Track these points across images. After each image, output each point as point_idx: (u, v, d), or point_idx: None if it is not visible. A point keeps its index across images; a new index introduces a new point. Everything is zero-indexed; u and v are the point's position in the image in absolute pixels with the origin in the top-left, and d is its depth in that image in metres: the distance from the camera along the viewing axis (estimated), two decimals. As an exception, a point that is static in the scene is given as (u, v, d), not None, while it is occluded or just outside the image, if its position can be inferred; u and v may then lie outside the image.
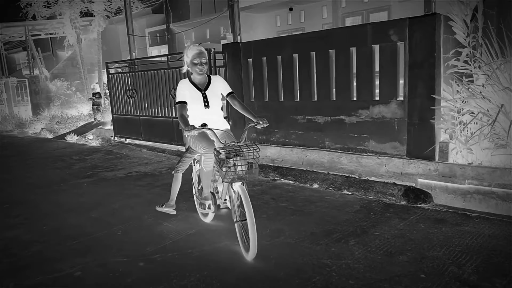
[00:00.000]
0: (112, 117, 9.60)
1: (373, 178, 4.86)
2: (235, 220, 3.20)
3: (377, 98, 5.16)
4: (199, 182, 3.83)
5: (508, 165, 4.12)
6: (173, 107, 7.64)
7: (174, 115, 7.67)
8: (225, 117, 3.89)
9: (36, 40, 17.88)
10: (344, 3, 11.27)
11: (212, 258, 3.13)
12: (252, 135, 6.57)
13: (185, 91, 3.45)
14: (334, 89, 5.59)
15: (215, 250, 3.26)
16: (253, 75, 6.52)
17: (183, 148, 7.55)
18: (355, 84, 5.42)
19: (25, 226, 4.11)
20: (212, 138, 3.34)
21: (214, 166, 3.42)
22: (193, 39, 15.27)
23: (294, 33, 9.01)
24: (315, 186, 4.95)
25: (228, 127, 3.67)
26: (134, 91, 8.57)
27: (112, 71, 9.31)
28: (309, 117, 5.87)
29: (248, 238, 2.89)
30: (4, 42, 19.92)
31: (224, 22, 12.57)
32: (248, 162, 2.97)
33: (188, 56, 3.43)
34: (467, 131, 4.55)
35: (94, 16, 15.21)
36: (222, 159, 2.96)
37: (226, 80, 5.98)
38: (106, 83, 10.06)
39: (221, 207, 3.68)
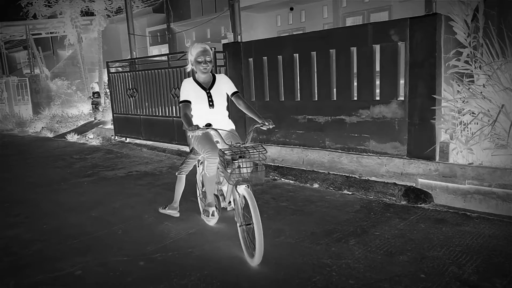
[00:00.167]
0: (113, 116, 9.61)
1: (373, 178, 4.86)
2: (239, 224, 3.10)
3: (377, 98, 5.16)
4: (203, 184, 3.73)
5: (509, 166, 4.12)
6: (173, 107, 7.65)
7: (174, 115, 7.67)
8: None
9: (37, 39, 17.88)
10: (345, 3, 11.26)
11: (212, 257, 3.13)
12: (253, 134, 6.57)
13: (189, 90, 3.37)
14: (335, 89, 5.59)
15: (215, 249, 3.26)
16: (253, 74, 6.52)
17: (183, 148, 7.56)
18: (355, 84, 5.42)
19: (26, 225, 4.11)
20: (216, 139, 3.28)
21: (218, 168, 3.33)
22: (194, 38, 15.27)
23: (294, 33, 9.01)
24: (316, 186, 4.96)
25: (233, 127, 3.57)
26: (134, 90, 8.57)
27: (112, 70, 9.32)
28: (310, 116, 5.87)
29: (253, 243, 2.81)
30: (5, 41, 19.95)
31: (225, 22, 12.57)
32: (254, 164, 2.89)
33: (192, 54, 3.35)
34: (467, 131, 4.54)
35: (95, 15, 15.21)
36: (227, 160, 2.88)
37: (226, 79, 5.96)
38: (107, 82, 10.06)
39: (227, 209, 3.60)
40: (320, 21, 11.97)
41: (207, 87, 3.43)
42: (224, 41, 12.27)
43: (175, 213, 3.92)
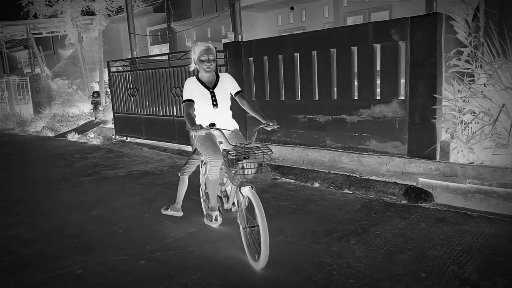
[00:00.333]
0: (113, 115, 9.61)
1: (374, 177, 4.86)
2: (243, 226, 3.03)
3: (378, 97, 5.16)
4: (206, 185, 3.66)
5: (509, 165, 4.11)
6: (174, 106, 7.65)
7: (175, 114, 7.67)
8: None
9: (38, 39, 17.88)
10: (346, 2, 11.25)
11: (213, 256, 3.13)
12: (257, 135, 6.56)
13: (192, 89, 3.30)
14: (335, 88, 5.59)
15: (216, 248, 3.26)
16: (254, 74, 6.52)
17: (184, 147, 7.56)
18: (356, 83, 5.41)
19: (26, 224, 4.11)
20: (219, 139, 3.22)
21: (222, 168, 3.27)
22: (194, 38, 15.27)
23: (295, 32, 9.01)
24: (316, 185, 4.95)
25: (237, 127, 3.49)
26: (135, 89, 8.57)
27: (113, 69, 9.32)
28: (310, 116, 5.86)
29: (258, 246, 2.76)
30: (6, 41, 19.95)
31: (225, 21, 12.57)
32: (258, 164, 2.81)
33: (195, 53, 3.28)
34: (468, 130, 4.54)
35: (96, 14, 15.21)
36: (231, 161, 2.82)
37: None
38: (108, 81, 10.07)
39: (232, 210, 3.52)
40: (320, 21, 11.96)
41: (211, 87, 3.36)
42: (224, 41, 12.26)
43: (178, 214, 3.88)
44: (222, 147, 3.22)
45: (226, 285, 2.70)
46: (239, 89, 3.43)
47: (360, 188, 4.58)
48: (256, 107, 3.37)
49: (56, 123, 12.81)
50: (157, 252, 3.26)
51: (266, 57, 6.28)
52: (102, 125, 11.38)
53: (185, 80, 7.62)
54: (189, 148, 7.42)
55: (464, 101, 4.52)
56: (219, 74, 3.47)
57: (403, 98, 4.92)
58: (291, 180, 5.22)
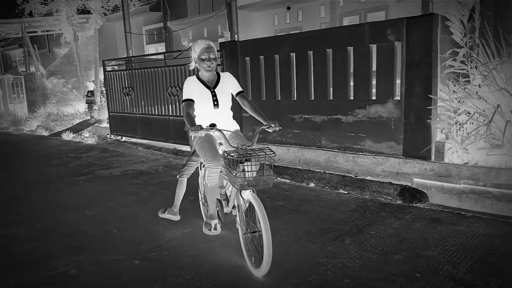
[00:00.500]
0: (109, 115, 9.58)
1: (369, 178, 4.87)
2: (243, 231, 2.90)
3: (374, 98, 5.17)
4: (205, 191, 3.50)
5: (504, 165, 4.14)
6: (169, 105, 7.63)
7: (170, 113, 7.66)
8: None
9: (33, 37, 17.79)
10: (342, 2, 11.28)
11: (207, 257, 3.12)
12: (249, 133, 6.57)
13: (192, 89, 3.18)
14: (331, 89, 5.60)
15: (210, 249, 3.25)
16: (250, 74, 6.51)
17: (179, 147, 7.54)
18: (352, 83, 5.42)
19: (20, 223, 4.08)
20: (219, 141, 3.13)
21: (221, 171, 3.12)
22: (191, 37, 15.25)
23: (291, 32, 9.01)
24: (312, 185, 4.96)
25: (238, 127, 3.37)
26: (130, 89, 8.54)
27: (108, 68, 9.28)
28: (306, 116, 5.87)
29: (259, 252, 2.66)
30: (0, 39, 19.85)
31: (222, 21, 12.57)
32: (261, 167, 2.71)
33: (196, 51, 3.16)
34: (463, 131, 4.56)
35: (91, 13, 15.15)
36: (232, 163, 2.71)
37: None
38: (103, 80, 10.03)
39: (232, 214, 3.27)
40: (317, 21, 11.98)
41: (212, 86, 3.25)
42: (221, 40, 12.25)
43: (175, 218, 3.80)
44: (222, 148, 3.14)
45: (221, 285, 2.69)
46: (240, 89, 3.35)
47: (355, 188, 4.59)
48: (257, 108, 3.28)
49: (51, 122, 12.75)
50: (152, 252, 3.24)
51: (263, 57, 6.27)
52: (97, 124, 11.33)
53: (182, 79, 7.56)
54: (184, 148, 7.40)
55: (459, 101, 4.54)
56: (220, 73, 3.37)
57: (399, 98, 4.93)
58: (287, 180, 5.22)
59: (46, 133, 11.83)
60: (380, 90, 5.08)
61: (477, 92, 4.40)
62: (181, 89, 7.25)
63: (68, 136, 10.50)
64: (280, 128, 3.01)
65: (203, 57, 3.14)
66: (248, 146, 2.85)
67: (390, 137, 5.03)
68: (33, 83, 15.70)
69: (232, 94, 3.36)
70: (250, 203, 2.77)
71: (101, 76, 12.25)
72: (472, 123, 4.47)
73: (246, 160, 2.67)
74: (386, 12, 10.42)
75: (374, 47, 5.07)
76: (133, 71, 8.41)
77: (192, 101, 3.16)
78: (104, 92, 10.26)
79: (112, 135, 9.60)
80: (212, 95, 3.22)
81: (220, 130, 2.93)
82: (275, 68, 6.14)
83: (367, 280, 2.66)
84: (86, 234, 3.70)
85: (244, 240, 2.93)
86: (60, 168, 6.77)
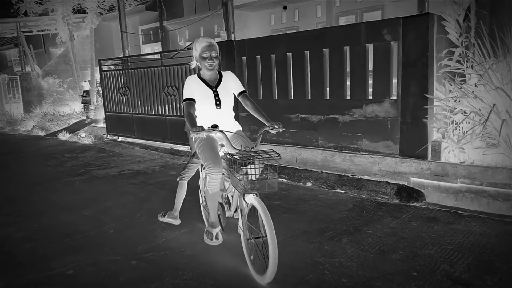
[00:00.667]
0: (105, 114, 9.54)
1: (366, 177, 4.88)
2: (246, 237, 2.79)
3: (370, 97, 5.18)
4: (205, 198, 3.38)
5: (500, 164, 4.15)
6: (166, 105, 7.62)
7: (167, 113, 7.64)
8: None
9: (28, 37, 17.69)
10: (338, 2, 11.29)
11: (205, 257, 3.12)
12: (246, 133, 6.56)
13: (194, 88, 3.05)
14: (328, 88, 5.60)
15: (208, 249, 3.24)
16: (247, 73, 6.50)
17: (176, 146, 7.53)
18: (348, 83, 5.43)
19: (17, 223, 4.07)
20: (221, 142, 3.05)
21: (223, 174, 3.03)
22: (187, 37, 15.22)
23: (288, 32, 9.01)
24: (309, 184, 4.96)
25: (240, 128, 3.28)
26: (127, 88, 8.52)
27: (105, 68, 9.25)
28: (303, 115, 5.87)
29: (264, 258, 2.56)
30: (-5, 39, 19.73)
31: (218, 20, 12.54)
32: (265, 170, 2.62)
33: (197, 49, 3.05)
34: (459, 130, 4.58)
35: (87, 13, 15.08)
36: (235, 166, 2.62)
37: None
38: (99, 80, 10.00)
39: (235, 217, 3.19)
40: (313, 20, 11.98)
41: (214, 85, 3.13)
42: (217, 40, 12.25)
43: (175, 222, 3.72)
44: (223, 150, 3.06)
45: (218, 285, 2.69)
46: (243, 89, 3.23)
47: (352, 188, 4.60)
48: (260, 109, 3.17)
49: (47, 122, 12.69)
50: (149, 252, 3.24)
51: (259, 56, 6.27)
52: (93, 124, 11.29)
53: (178, 79, 7.53)
54: (181, 148, 7.39)
55: (455, 101, 4.55)
56: (222, 72, 3.25)
57: (395, 98, 4.94)
58: (284, 180, 5.22)
59: (42, 133, 11.78)
60: (376, 89, 5.09)
61: (473, 92, 4.41)
62: (178, 89, 7.24)
63: (64, 136, 10.46)
64: (284, 129, 2.90)
65: (204, 55, 3.03)
66: (252, 148, 2.72)
67: (386, 137, 5.04)
68: (28, 83, 15.62)
69: (234, 94, 3.26)
70: (253, 207, 2.68)
71: (97, 76, 12.22)
72: (468, 122, 4.49)
73: (249, 162, 2.58)
74: (382, 11, 10.43)
75: (370, 47, 5.08)
76: (130, 70, 8.39)
77: (193, 100, 3.02)
78: (100, 92, 10.23)
79: (108, 135, 9.57)
80: (214, 94, 3.10)
81: (222, 131, 2.79)
82: (272, 67, 6.14)
83: (365, 279, 2.67)
84: (83, 234, 3.69)
85: (247, 246, 2.82)
86: (57, 168, 6.75)
